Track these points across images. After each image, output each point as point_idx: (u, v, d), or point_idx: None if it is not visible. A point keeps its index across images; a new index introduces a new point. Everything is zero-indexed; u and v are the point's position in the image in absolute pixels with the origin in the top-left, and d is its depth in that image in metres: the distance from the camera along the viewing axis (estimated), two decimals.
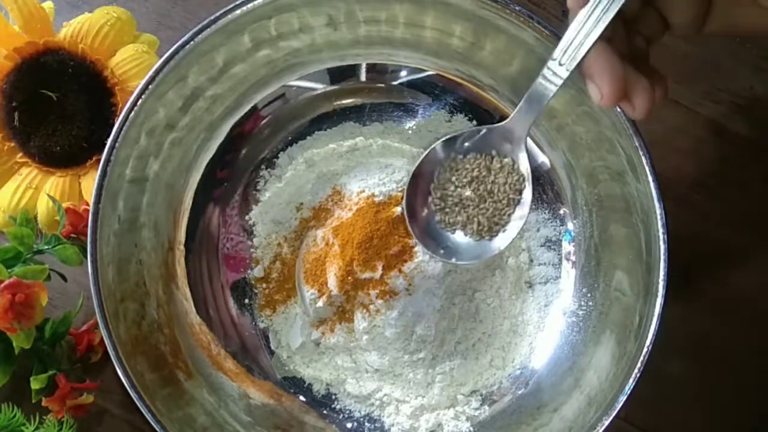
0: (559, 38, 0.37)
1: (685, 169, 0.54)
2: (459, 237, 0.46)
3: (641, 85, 0.37)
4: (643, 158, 0.42)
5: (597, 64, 0.36)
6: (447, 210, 0.45)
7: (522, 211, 0.45)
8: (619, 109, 0.42)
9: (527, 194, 0.44)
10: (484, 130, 0.44)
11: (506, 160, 0.44)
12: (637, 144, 0.42)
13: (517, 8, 0.42)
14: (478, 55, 0.48)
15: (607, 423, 0.41)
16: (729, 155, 0.55)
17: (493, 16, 0.44)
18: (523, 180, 0.44)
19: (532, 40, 0.43)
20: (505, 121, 0.43)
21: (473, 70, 0.50)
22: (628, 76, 0.36)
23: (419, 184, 0.45)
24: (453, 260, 0.46)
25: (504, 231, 0.45)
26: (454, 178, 0.45)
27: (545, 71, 0.38)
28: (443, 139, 0.44)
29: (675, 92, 0.55)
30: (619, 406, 0.41)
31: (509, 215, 0.45)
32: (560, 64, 0.37)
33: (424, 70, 0.52)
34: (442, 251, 0.45)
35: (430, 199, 0.46)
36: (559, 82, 0.38)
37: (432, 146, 0.45)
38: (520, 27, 0.43)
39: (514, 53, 0.46)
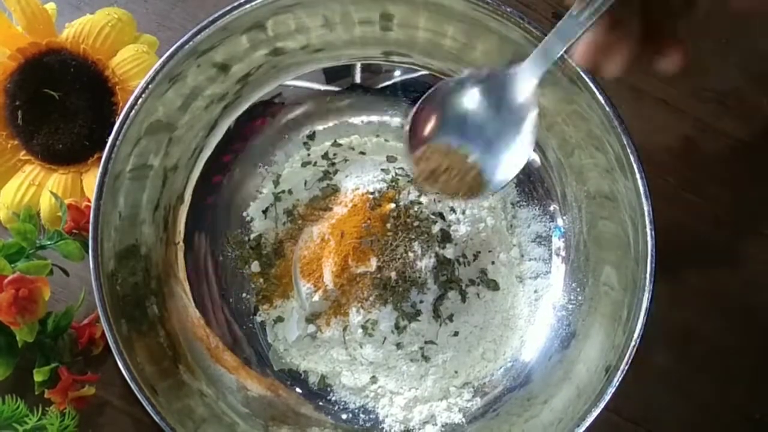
0: None
1: (672, 167, 0.55)
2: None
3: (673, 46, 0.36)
4: (631, 156, 0.42)
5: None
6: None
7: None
8: (608, 108, 0.43)
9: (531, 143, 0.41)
10: (496, 75, 0.41)
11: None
12: (625, 142, 0.42)
13: (508, 10, 0.43)
14: (470, 55, 0.49)
15: (595, 414, 0.42)
16: (715, 153, 0.55)
17: (484, 18, 0.44)
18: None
19: (523, 41, 0.44)
20: (517, 66, 0.39)
21: (465, 70, 0.51)
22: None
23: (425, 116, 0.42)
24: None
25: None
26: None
27: (564, 23, 0.36)
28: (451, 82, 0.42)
29: (662, 92, 0.56)
30: (607, 397, 0.41)
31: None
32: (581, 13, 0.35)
33: (418, 70, 0.52)
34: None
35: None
36: (579, 31, 0.36)
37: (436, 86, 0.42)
38: (510, 28, 0.44)
39: (505, 53, 0.46)
